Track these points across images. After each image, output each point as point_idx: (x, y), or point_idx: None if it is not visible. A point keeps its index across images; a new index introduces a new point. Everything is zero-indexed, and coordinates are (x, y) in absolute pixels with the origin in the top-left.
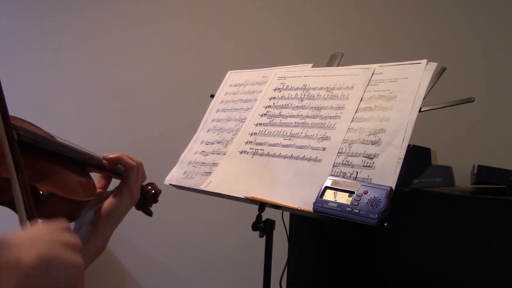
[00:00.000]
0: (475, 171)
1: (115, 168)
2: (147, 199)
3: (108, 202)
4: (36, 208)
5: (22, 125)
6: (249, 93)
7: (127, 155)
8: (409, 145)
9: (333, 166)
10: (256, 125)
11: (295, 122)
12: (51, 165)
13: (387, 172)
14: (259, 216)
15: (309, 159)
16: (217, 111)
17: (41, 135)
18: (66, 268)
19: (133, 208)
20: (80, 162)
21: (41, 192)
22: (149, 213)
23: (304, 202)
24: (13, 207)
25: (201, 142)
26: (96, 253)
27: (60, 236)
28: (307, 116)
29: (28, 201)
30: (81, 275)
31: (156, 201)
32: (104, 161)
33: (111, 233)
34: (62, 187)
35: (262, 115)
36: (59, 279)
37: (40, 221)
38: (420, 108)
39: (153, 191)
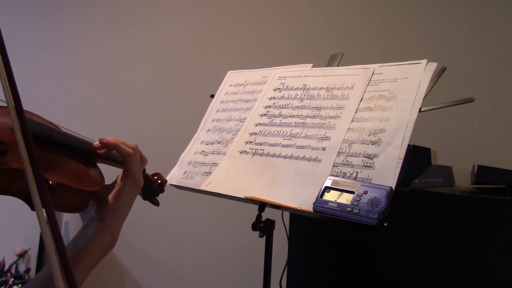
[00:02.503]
0: (475, 171)
1: (114, 156)
2: (153, 189)
3: (112, 193)
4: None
5: (29, 116)
6: (249, 93)
7: (122, 141)
8: (409, 145)
9: (333, 166)
10: (256, 125)
11: (295, 122)
12: (59, 155)
13: (387, 172)
14: (259, 216)
15: (309, 159)
16: (217, 111)
17: (48, 126)
18: None
19: (135, 207)
20: (87, 152)
21: (50, 183)
22: (156, 203)
23: (304, 202)
24: (23, 197)
25: (201, 142)
26: (106, 248)
27: None
28: (307, 116)
29: (43, 191)
30: None
31: (162, 191)
32: (97, 144)
33: (119, 225)
34: (70, 177)
35: (262, 115)
36: None
37: None
38: (420, 108)
39: (159, 181)
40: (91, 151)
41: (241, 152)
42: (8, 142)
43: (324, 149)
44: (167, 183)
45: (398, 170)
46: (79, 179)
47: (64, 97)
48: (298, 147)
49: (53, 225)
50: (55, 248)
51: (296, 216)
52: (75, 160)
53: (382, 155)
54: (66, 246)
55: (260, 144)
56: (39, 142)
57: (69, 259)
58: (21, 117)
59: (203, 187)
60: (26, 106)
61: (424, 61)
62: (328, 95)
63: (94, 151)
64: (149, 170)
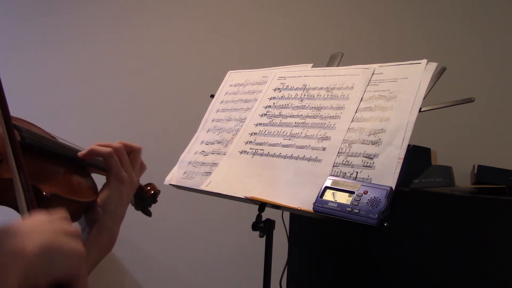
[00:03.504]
0: (475, 171)
1: (101, 164)
2: (146, 199)
3: (100, 195)
4: (39, 209)
5: (25, 126)
6: (249, 93)
7: (101, 143)
8: (409, 145)
9: (333, 166)
10: (256, 125)
11: (295, 122)
12: (53, 166)
13: (387, 172)
14: (259, 216)
15: (309, 159)
16: (217, 111)
17: (43, 136)
18: (68, 256)
19: (134, 209)
20: (81, 162)
21: (44, 193)
22: (148, 214)
23: (304, 202)
24: (15, 207)
25: (201, 142)
26: (105, 249)
27: (61, 225)
28: (307, 116)
29: (30, 201)
30: (83, 264)
31: (155, 201)
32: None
33: (116, 225)
34: (64, 188)
35: (262, 115)
36: (62, 267)
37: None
38: (420, 108)
39: (152, 192)
40: (85, 161)
41: (241, 152)
42: (2, 152)
43: (324, 149)
44: (168, 183)
45: (398, 170)
46: (73, 190)
47: (63, 97)
48: (298, 147)
49: None
50: None
51: (296, 216)
52: (69, 170)
53: (382, 155)
54: None
55: (260, 144)
56: (34, 153)
57: None
58: (8, 124)
59: (203, 187)
60: (25, 107)
61: (424, 61)
62: (328, 95)
63: (88, 162)
64: (149, 170)
